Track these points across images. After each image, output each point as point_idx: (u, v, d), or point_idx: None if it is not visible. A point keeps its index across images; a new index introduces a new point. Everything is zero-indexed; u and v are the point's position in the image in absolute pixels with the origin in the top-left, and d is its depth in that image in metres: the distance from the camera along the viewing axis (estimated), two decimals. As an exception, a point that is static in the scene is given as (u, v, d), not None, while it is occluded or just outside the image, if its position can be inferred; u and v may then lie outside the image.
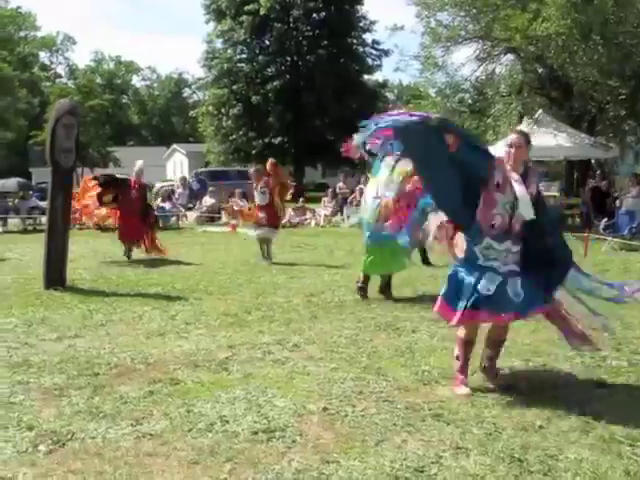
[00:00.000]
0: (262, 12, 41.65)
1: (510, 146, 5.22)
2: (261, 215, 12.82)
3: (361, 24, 45.89)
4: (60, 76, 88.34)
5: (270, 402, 5.01)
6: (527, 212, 5.08)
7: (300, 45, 44.49)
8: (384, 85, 52.67)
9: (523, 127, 21.46)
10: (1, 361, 6.19)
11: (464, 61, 26.11)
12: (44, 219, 14.78)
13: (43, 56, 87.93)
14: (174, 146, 64.96)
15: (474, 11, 23.50)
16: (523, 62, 24.51)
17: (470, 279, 5.13)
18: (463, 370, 5.39)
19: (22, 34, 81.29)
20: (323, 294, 9.43)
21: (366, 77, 47.78)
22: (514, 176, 5.13)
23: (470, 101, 26.97)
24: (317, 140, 40.96)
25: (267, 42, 45.04)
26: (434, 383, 5.49)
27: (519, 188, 5.09)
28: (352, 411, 4.82)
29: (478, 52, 25.02)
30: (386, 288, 9.26)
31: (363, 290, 9.21)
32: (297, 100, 42.33)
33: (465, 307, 5.07)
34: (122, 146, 67.55)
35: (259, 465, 3.98)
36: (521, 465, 3.99)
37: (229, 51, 45.31)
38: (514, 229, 5.15)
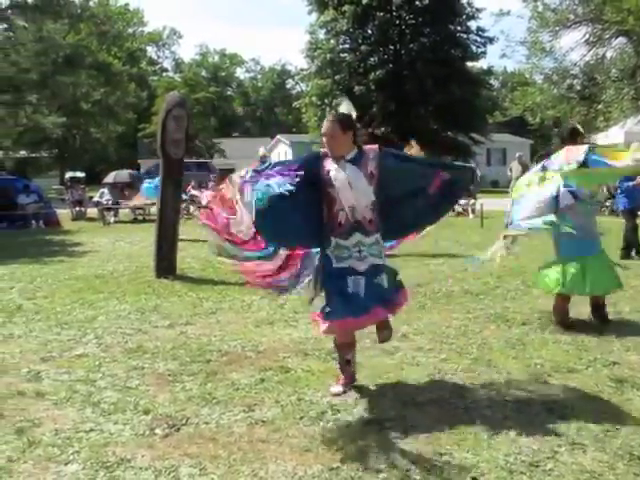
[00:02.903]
0: (364, 1, 41.44)
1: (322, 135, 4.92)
2: None
3: (466, 11, 45.09)
4: (166, 70, 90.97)
5: (380, 392, 5.00)
6: (346, 198, 4.72)
7: (402, 33, 44.09)
8: (489, 72, 51.66)
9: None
10: (117, 347, 6.41)
11: (573, 45, 25.60)
12: (153, 209, 15.20)
13: (150, 50, 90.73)
14: (278, 137, 65.60)
15: (583, -7, 22.96)
16: (636, 45, 23.70)
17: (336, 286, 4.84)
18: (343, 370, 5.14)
19: (130, 30, 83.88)
20: (430, 284, 9.32)
21: (470, 64, 47.00)
22: (332, 166, 4.78)
23: (579, 87, 26.30)
24: (421, 129, 40.44)
25: (369, 31, 44.78)
26: (547, 377, 5.34)
27: (336, 175, 4.74)
28: (463, 403, 4.76)
29: (588, 36, 24.37)
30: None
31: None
32: (400, 89, 41.96)
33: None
34: (227, 137, 68.80)
35: (371, 455, 3.97)
36: (642, 463, 3.84)
37: (332, 41, 45.30)
38: (361, 221, 4.79)
